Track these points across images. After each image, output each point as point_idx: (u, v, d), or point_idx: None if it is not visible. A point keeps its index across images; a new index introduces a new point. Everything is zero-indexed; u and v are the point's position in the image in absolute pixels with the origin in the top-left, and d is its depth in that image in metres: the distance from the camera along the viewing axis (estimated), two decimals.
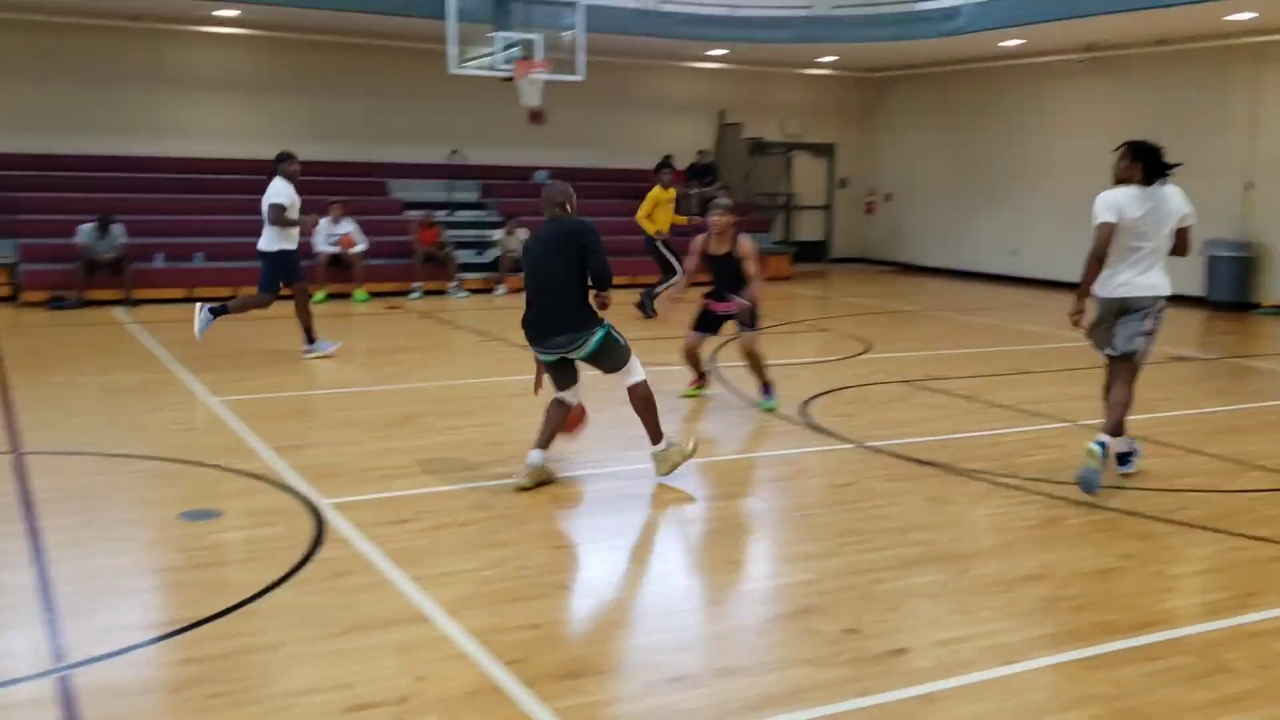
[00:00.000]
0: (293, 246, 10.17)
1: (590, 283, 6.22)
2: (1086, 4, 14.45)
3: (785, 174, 21.85)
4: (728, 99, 20.83)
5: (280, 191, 10.01)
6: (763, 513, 6.02)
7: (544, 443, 6.24)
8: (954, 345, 11.96)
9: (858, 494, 6.23)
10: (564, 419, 6.35)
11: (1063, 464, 6.90)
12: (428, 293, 15.33)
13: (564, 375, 6.34)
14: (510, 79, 14.95)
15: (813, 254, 22.16)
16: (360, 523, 5.43)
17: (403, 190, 17.26)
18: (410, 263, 15.29)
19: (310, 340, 10.35)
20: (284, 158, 10.21)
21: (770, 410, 8.24)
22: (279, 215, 9.94)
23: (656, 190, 14.12)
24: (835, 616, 4.40)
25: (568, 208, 6.35)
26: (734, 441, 7.57)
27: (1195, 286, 15.62)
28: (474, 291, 15.66)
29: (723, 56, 19.67)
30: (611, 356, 6.29)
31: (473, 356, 11.32)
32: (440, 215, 16.48)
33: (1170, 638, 4.26)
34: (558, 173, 19.00)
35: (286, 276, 10.21)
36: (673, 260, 13.71)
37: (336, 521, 5.46)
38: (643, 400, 6.33)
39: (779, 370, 9.80)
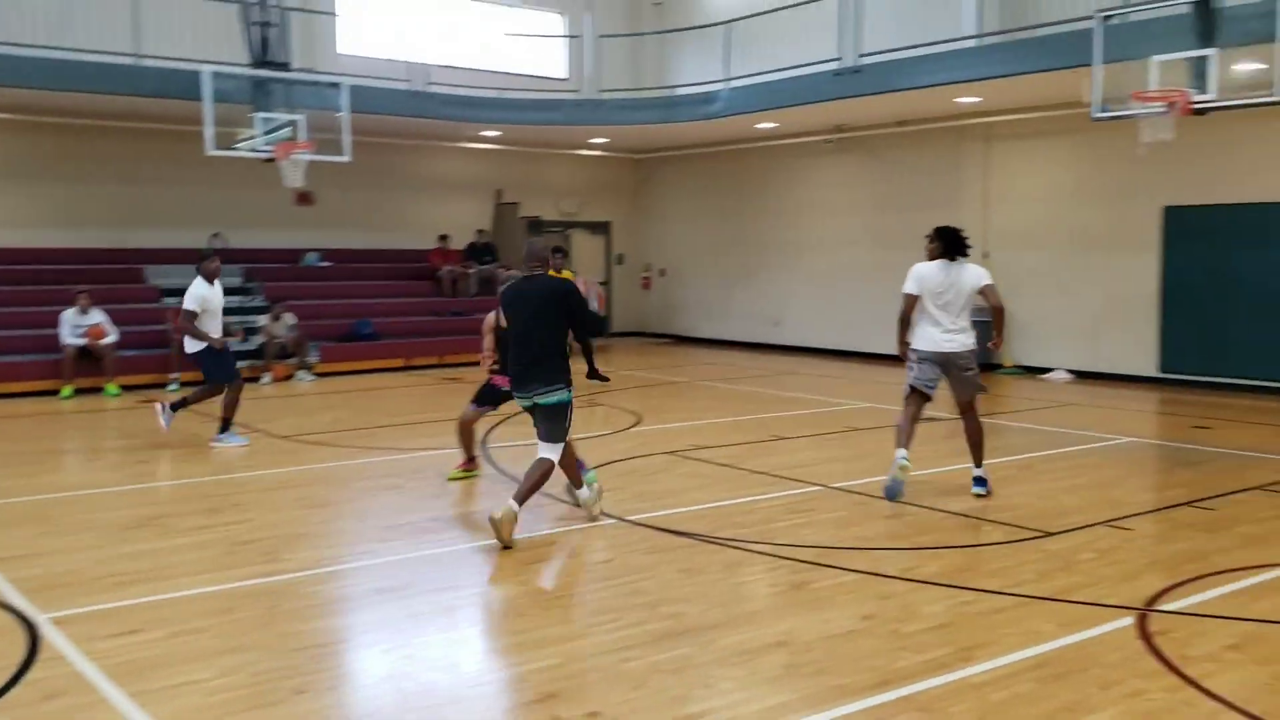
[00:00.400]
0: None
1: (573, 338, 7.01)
2: (830, 89, 15.34)
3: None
4: (504, 178, 21.00)
5: (193, 295, 10.16)
6: (518, 597, 5.94)
7: (521, 498, 6.69)
8: (718, 414, 12.27)
9: (614, 570, 6.26)
10: (544, 477, 6.87)
11: (813, 527, 7.16)
12: (187, 383, 14.63)
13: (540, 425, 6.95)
14: (272, 159, 14.60)
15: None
16: (82, 637, 5.06)
17: (161, 277, 16.52)
18: (168, 352, 14.58)
19: (223, 429, 10.32)
20: (204, 256, 10.64)
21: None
22: (189, 323, 10.18)
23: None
24: (579, 701, 4.37)
25: (548, 266, 7.07)
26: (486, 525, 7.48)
27: None
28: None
29: (496, 137, 19.85)
30: (555, 422, 6.94)
31: (227, 450, 10.77)
32: None
33: (900, 695, 4.42)
34: (329, 255, 18.69)
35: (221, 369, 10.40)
36: None
37: (54, 638, 5.07)
38: (541, 475, 6.86)
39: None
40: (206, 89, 14.04)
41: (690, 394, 14.35)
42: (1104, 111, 11.49)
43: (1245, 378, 13.76)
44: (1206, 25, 10.87)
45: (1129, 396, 13.78)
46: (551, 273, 7.82)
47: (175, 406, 10.48)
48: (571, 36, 20.61)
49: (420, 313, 18.17)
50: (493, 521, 6.54)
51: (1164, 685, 4.50)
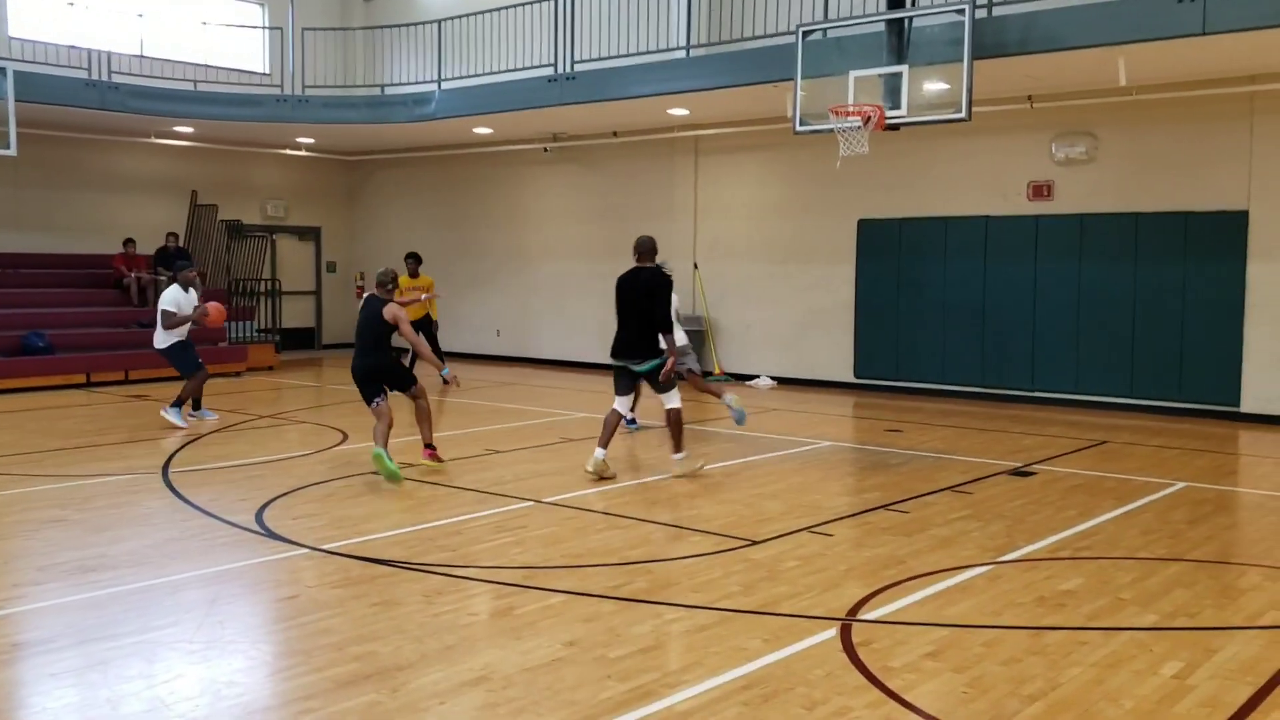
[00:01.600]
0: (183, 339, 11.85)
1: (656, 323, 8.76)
2: (544, 95, 15.17)
3: (269, 258, 20.88)
4: (200, 179, 19.60)
5: (169, 299, 11.73)
6: (184, 645, 5.28)
7: (604, 442, 8.85)
8: (436, 428, 11.76)
9: (300, 608, 5.71)
10: (617, 422, 9.00)
11: (522, 546, 6.85)
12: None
13: (623, 385, 9.08)
14: None
15: (303, 341, 21.37)
16: None
17: None
18: None
19: (196, 406, 11.99)
20: (180, 267, 12.18)
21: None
22: (169, 320, 11.66)
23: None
24: None
25: (654, 257, 9.00)
26: (166, 560, 6.72)
27: None
28: None
29: (190, 134, 18.50)
30: (656, 382, 8.94)
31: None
32: None
33: None
34: None
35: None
36: None
37: None
38: (674, 423, 8.99)
39: (241, 471, 9.08)
40: None
41: (403, 408, 13.70)
42: (804, 125, 11.84)
43: (932, 382, 14.61)
44: (900, 44, 11.41)
45: (828, 401, 14.33)
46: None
47: (177, 404, 11.65)
48: (272, 28, 19.52)
49: (103, 323, 16.63)
50: (682, 475, 8.90)
51: (867, 700, 4.46)
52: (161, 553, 6.72)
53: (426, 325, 15.50)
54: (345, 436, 11.12)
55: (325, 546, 6.79)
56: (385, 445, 8.75)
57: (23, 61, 14.89)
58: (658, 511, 7.84)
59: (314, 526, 7.33)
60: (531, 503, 8.09)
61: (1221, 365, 12.57)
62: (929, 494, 8.56)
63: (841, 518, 7.78)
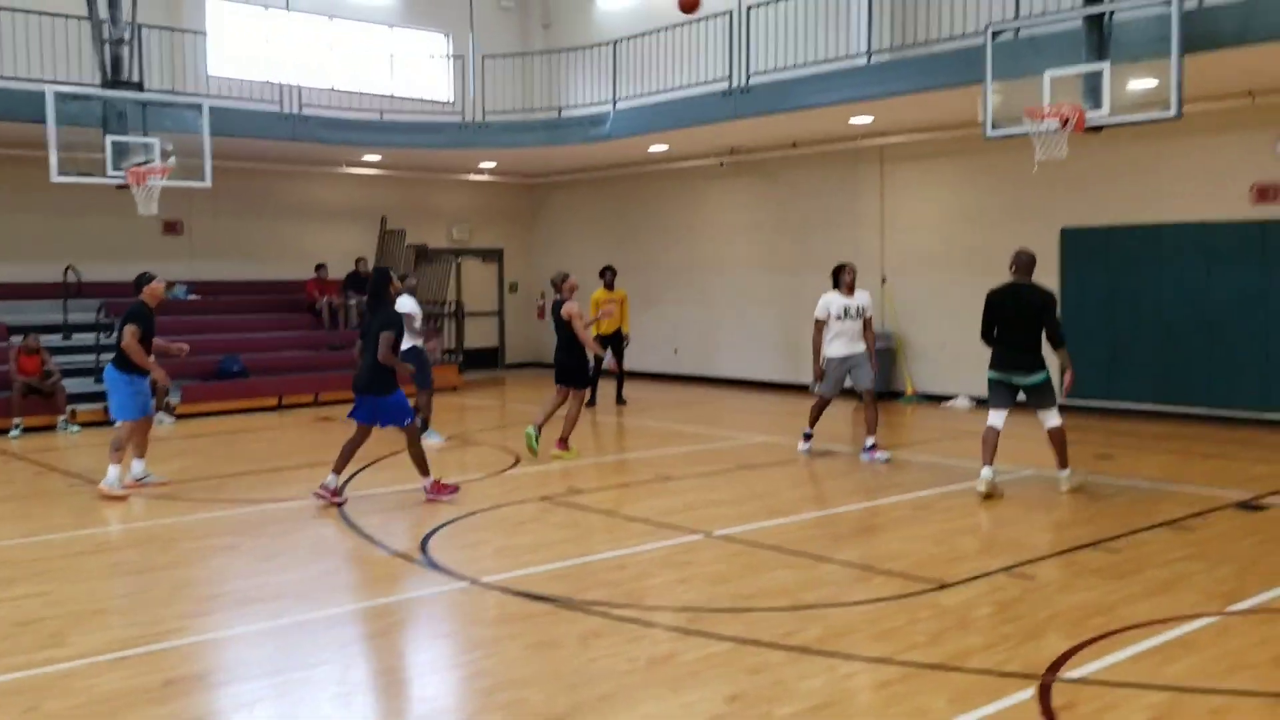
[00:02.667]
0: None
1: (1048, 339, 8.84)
2: (719, 110, 14.80)
3: (454, 280, 21.21)
4: (388, 205, 20.06)
5: (405, 304, 11.22)
6: (332, 687, 5.08)
7: (989, 459, 8.95)
8: (604, 452, 11.55)
9: (454, 648, 5.46)
10: (997, 438, 9.00)
11: (687, 585, 6.43)
12: (30, 429, 13.42)
13: (1004, 399, 9.15)
14: (125, 186, 13.54)
15: (487, 361, 21.62)
16: None
17: (8, 314, 15.28)
18: (8, 395, 13.37)
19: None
20: (403, 276, 11.49)
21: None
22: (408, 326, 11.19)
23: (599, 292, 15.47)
24: None
25: (1031, 271, 9.01)
26: (328, 592, 6.60)
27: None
28: (88, 425, 13.79)
29: (377, 162, 18.98)
30: (1045, 395, 9.00)
31: (51, 507, 9.26)
32: (52, 340, 14.66)
33: None
34: (197, 287, 17.59)
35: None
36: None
37: None
38: (1059, 440, 9.03)
39: (414, 496, 9.00)
40: (50, 110, 12.97)
41: (577, 429, 13.54)
42: (996, 130, 11.07)
43: (1148, 402, 13.44)
44: (1099, 41, 10.51)
45: (1031, 423, 13.28)
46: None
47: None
48: (454, 57, 19.87)
49: (295, 347, 17.14)
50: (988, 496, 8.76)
51: None
52: (323, 584, 6.62)
53: (617, 339, 15.46)
54: (518, 459, 10.96)
55: (485, 579, 6.54)
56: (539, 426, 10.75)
57: (219, 98, 15.49)
58: (839, 548, 7.29)
59: (477, 556, 7.11)
60: (702, 535, 7.67)
61: None
62: (1144, 530, 7.70)
63: (1044, 557, 7.05)
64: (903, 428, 13.47)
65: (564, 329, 10.90)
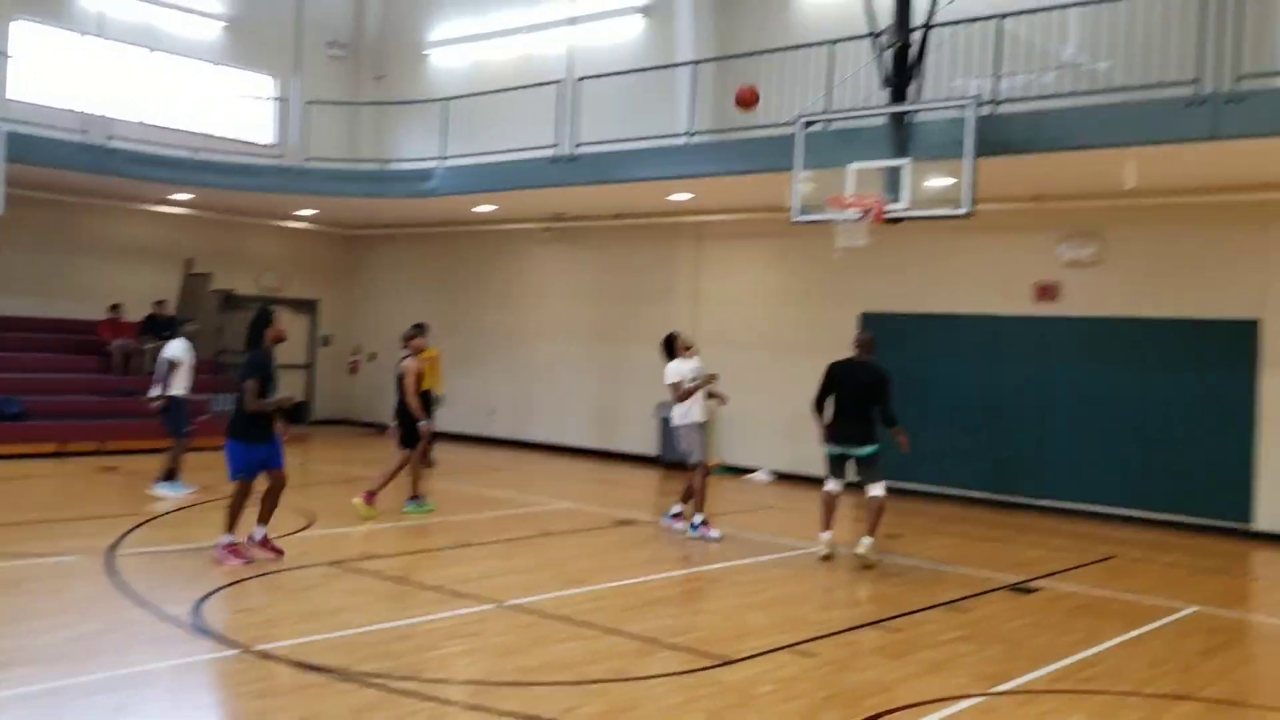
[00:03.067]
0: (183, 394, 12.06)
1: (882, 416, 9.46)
2: (546, 175, 14.93)
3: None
4: (196, 247, 19.34)
5: (174, 349, 12.01)
6: None
7: (828, 524, 9.53)
8: (407, 516, 11.26)
9: None
10: (834, 500, 9.57)
11: (472, 656, 6.31)
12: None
13: (839, 468, 9.61)
14: None
15: (293, 415, 20.89)
16: None
17: None
18: None
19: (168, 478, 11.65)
20: (183, 320, 12.66)
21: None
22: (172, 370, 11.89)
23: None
24: None
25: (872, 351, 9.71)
26: (84, 656, 6.17)
27: (650, 446, 16.32)
28: None
29: (188, 202, 18.28)
30: (874, 467, 9.47)
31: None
32: None
33: None
34: None
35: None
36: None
37: None
38: (877, 509, 9.44)
39: (194, 556, 8.57)
40: None
41: (384, 492, 13.20)
42: (803, 215, 11.50)
43: (936, 484, 14.04)
44: (902, 138, 11.11)
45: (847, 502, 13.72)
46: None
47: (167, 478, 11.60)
48: (278, 100, 19.44)
49: (81, 391, 16.20)
50: (862, 558, 9.24)
51: None
52: (83, 648, 6.19)
53: (427, 399, 15.01)
54: (313, 520, 10.60)
55: (258, 647, 6.25)
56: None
57: (19, 123, 14.70)
58: (629, 620, 7.29)
59: (253, 623, 6.82)
60: (494, 605, 7.55)
61: (1233, 480, 12.01)
62: (924, 609, 7.99)
63: (829, 634, 7.21)
64: (711, 498, 13.64)
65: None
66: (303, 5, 18.95)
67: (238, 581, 7.87)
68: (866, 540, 9.39)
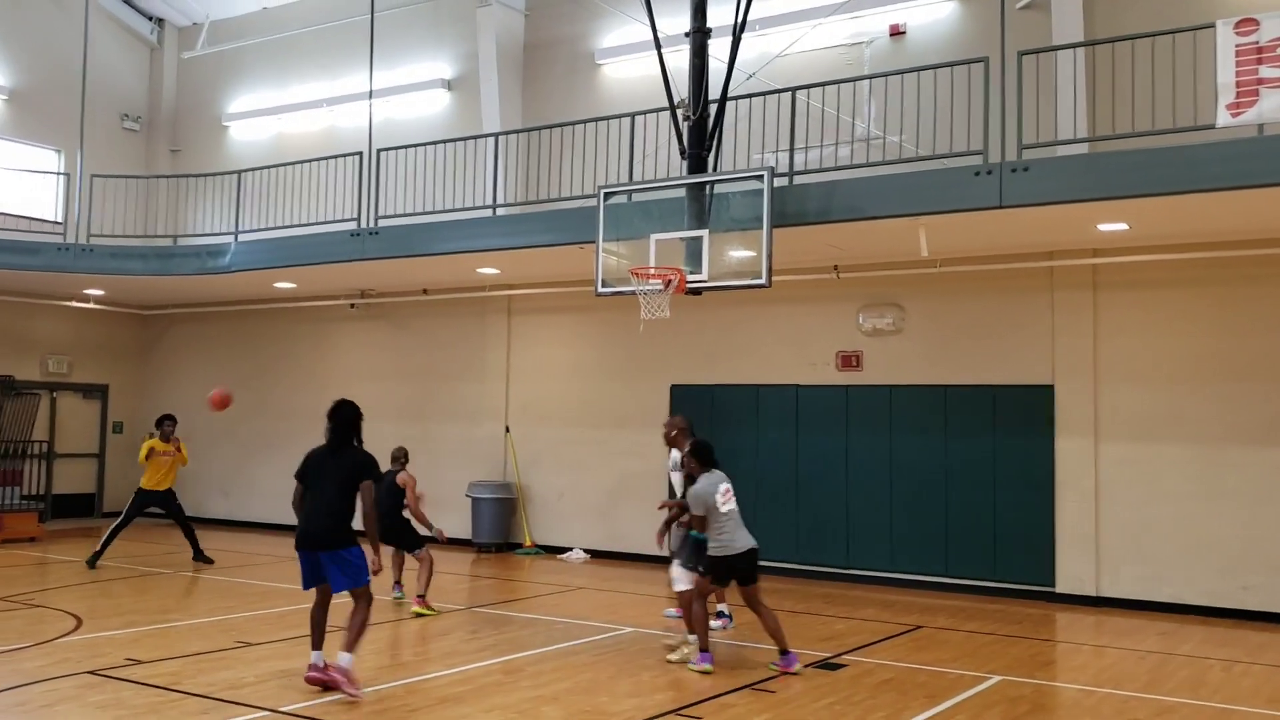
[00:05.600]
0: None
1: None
2: (345, 250, 14.38)
3: (48, 417, 19.09)
4: None
5: None
6: None
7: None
8: (185, 614, 10.39)
9: None
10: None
11: None
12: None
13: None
14: None
15: (82, 508, 19.47)
16: None
17: None
18: None
19: None
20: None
21: None
22: None
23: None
24: None
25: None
26: None
27: (464, 529, 15.71)
28: None
29: None
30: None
31: None
32: None
33: None
34: None
35: None
36: None
37: None
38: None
39: None
40: None
41: (163, 588, 12.23)
42: (606, 287, 11.31)
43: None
44: (701, 209, 11.06)
45: (639, 578, 13.38)
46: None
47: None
48: (61, 174, 18.33)
49: None
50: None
51: None
52: None
53: (169, 495, 14.22)
54: (80, 622, 9.64)
55: None
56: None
57: None
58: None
59: None
60: (267, 712, 6.88)
61: (1034, 543, 12.23)
62: (727, 694, 7.68)
63: None
64: (516, 583, 13.15)
65: (394, 496, 10.97)
66: (92, 78, 17.93)
67: None
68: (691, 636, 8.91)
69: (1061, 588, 12.08)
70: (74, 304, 18.98)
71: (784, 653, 8.40)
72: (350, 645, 7.36)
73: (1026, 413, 12.36)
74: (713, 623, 9.68)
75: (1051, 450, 12.22)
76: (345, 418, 8.29)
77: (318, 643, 7.55)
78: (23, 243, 16.18)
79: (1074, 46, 11.23)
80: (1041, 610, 11.64)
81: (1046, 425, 12.25)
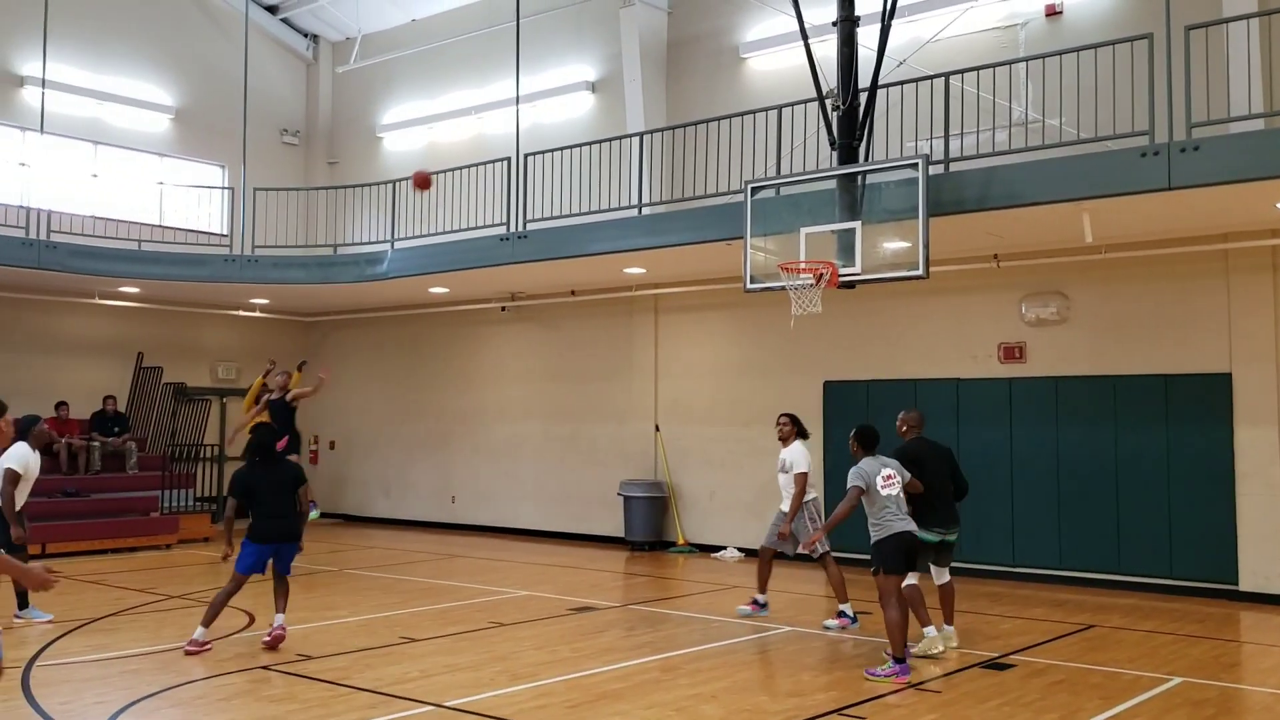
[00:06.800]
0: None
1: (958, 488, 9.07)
2: (497, 254, 14.62)
3: (217, 422, 19.99)
4: (147, 341, 18.86)
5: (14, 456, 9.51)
6: None
7: (925, 620, 8.67)
8: (352, 610, 10.68)
9: None
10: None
11: None
12: None
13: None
14: None
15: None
16: None
17: None
18: None
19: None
20: (28, 423, 9.68)
21: None
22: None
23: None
24: None
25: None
26: None
27: (616, 527, 15.80)
28: None
29: (136, 295, 17.86)
30: (951, 551, 9.08)
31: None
32: None
33: None
34: None
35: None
36: None
37: None
38: (950, 593, 9.12)
39: (116, 665, 8.00)
40: None
41: (332, 585, 12.64)
42: (754, 284, 11.19)
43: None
44: (853, 201, 10.84)
45: (794, 577, 13.20)
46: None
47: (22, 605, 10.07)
48: (225, 188, 19.16)
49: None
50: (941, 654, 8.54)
51: None
52: None
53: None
54: (252, 619, 10.03)
55: None
56: None
57: None
58: (575, 717, 6.76)
59: None
60: (432, 707, 7.02)
61: (1215, 538, 11.60)
62: (890, 694, 7.49)
63: None
64: (670, 580, 13.14)
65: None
66: (252, 95, 18.70)
67: (158, 692, 7.31)
68: (949, 628, 9.03)
69: (1245, 585, 11.42)
70: (240, 313, 19.85)
71: (898, 660, 7.94)
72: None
73: (1202, 402, 11.74)
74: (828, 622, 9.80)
75: (1230, 441, 11.57)
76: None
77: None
78: (191, 255, 16.96)
79: (1246, 18, 10.61)
80: (1224, 609, 11.03)
81: (1224, 415, 11.60)
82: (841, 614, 9.91)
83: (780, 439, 10.40)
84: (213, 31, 19.96)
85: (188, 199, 18.91)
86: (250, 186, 17.44)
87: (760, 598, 10.40)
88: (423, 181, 11.72)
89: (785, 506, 10.13)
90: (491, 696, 7.28)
